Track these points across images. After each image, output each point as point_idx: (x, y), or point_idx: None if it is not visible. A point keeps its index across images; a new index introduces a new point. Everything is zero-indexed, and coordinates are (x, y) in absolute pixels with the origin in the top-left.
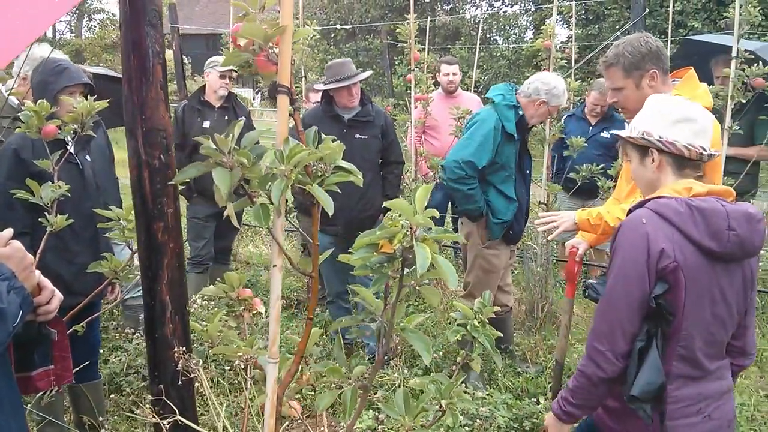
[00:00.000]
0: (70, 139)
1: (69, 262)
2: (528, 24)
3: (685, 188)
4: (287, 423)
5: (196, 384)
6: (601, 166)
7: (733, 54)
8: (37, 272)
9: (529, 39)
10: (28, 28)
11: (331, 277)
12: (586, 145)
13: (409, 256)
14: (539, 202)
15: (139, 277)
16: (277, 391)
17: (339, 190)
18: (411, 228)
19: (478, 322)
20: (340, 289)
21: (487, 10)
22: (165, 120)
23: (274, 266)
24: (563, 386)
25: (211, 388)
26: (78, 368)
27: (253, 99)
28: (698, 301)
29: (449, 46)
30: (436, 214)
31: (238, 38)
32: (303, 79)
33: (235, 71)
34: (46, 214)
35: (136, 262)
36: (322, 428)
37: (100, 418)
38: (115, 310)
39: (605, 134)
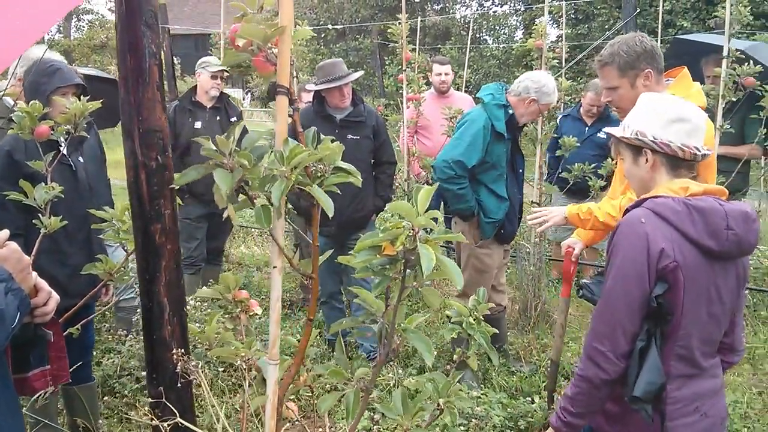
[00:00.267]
0: (62, 140)
1: (63, 264)
2: (518, 24)
3: (681, 187)
4: (286, 425)
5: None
6: (592, 165)
7: (725, 53)
8: (34, 274)
9: (519, 39)
10: (29, 28)
11: (324, 277)
12: (578, 144)
13: (411, 257)
14: (532, 202)
15: (131, 278)
16: (278, 393)
17: (339, 191)
18: (413, 229)
19: (474, 320)
20: (334, 290)
21: (477, 10)
22: (162, 121)
23: (274, 267)
24: (557, 389)
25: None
26: (72, 369)
27: (243, 99)
28: (696, 300)
29: (439, 46)
30: (439, 215)
31: (237, 39)
32: (295, 79)
33: (227, 72)
34: (39, 215)
35: (131, 264)
36: (320, 429)
37: (99, 421)
38: (107, 312)
39: (601, 135)
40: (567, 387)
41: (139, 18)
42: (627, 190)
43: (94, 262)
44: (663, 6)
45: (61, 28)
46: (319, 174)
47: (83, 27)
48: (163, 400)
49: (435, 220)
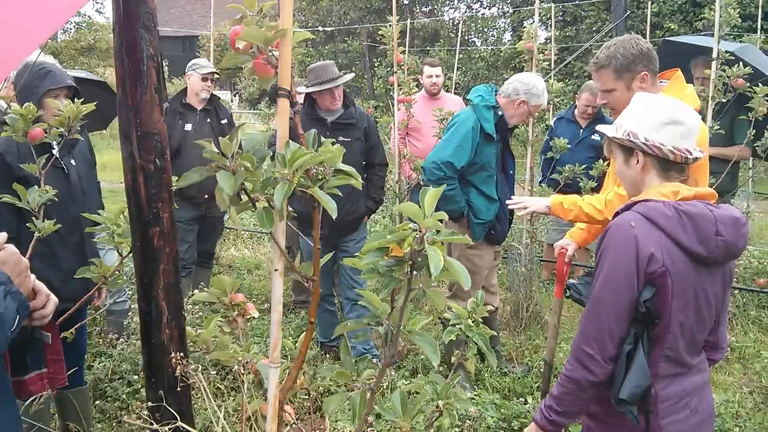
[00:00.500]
0: (55, 143)
1: (56, 268)
2: (506, 26)
3: (672, 191)
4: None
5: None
6: (583, 166)
7: (714, 55)
8: (32, 276)
9: (508, 41)
10: (38, 29)
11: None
12: (569, 146)
13: (418, 259)
14: None
15: (125, 282)
16: (279, 396)
17: (341, 194)
18: (421, 231)
19: (472, 322)
20: (326, 292)
21: (466, 12)
22: (160, 124)
23: (275, 270)
24: (551, 389)
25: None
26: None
27: (231, 101)
28: (684, 304)
29: (428, 48)
30: (445, 217)
31: (237, 41)
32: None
33: (217, 74)
34: (33, 218)
35: (125, 267)
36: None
37: (92, 426)
38: (98, 316)
39: (595, 137)
40: (554, 386)
41: (137, 20)
42: (616, 185)
43: (87, 266)
44: (650, 8)
45: None
46: (320, 176)
47: (70, 29)
48: (164, 404)
49: (442, 221)
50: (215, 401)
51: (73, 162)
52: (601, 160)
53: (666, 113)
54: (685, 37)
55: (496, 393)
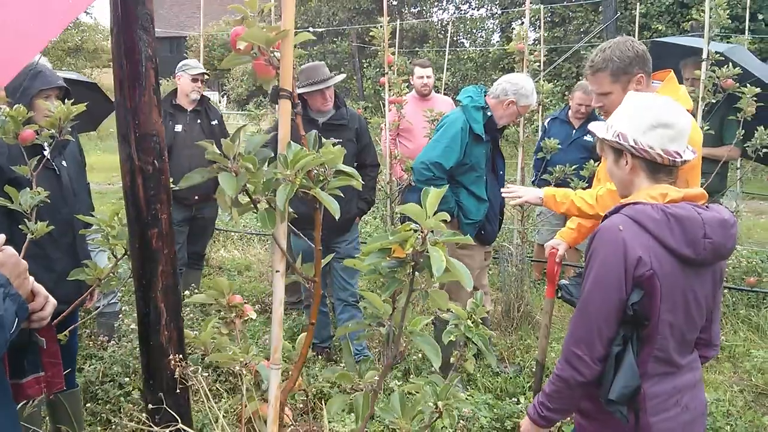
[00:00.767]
0: (46, 144)
1: (49, 270)
2: (494, 27)
3: (660, 194)
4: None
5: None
6: (574, 167)
7: (704, 56)
8: (31, 278)
9: (496, 42)
10: (42, 29)
11: None
12: (561, 147)
13: (420, 260)
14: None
15: (120, 284)
16: (280, 398)
17: (343, 195)
18: (423, 232)
19: (472, 322)
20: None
21: (454, 13)
22: (158, 125)
23: (276, 271)
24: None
25: (198, 394)
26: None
27: (219, 102)
28: (673, 306)
29: (417, 49)
30: (447, 217)
31: (238, 42)
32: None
33: (207, 75)
34: (26, 220)
35: (119, 269)
36: None
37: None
38: (87, 318)
39: (588, 137)
40: (546, 383)
41: (135, 22)
42: (608, 182)
43: (80, 268)
44: (638, 9)
45: None
46: (321, 177)
47: None
48: (164, 406)
49: (444, 222)
50: (207, 403)
51: (64, 163)
52: (591, 161)
53: (655, 115)
54: (674, 38)
55: (488, 393)
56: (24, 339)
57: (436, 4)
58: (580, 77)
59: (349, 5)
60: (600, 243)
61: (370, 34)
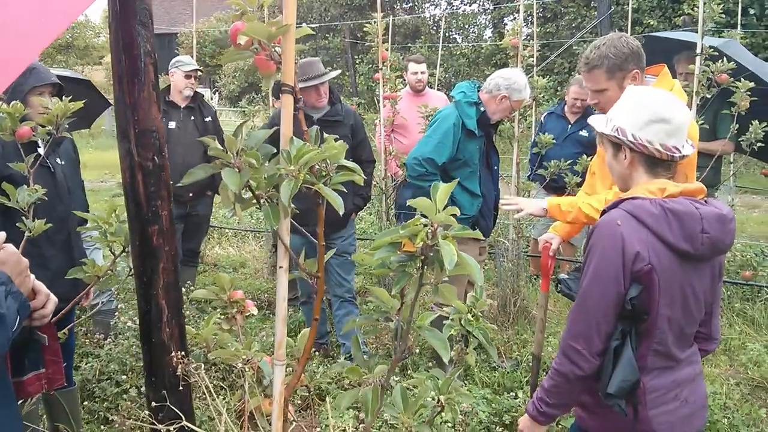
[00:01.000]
0: (41, 141)
1: (44, 267)
2: (487, 22)
3: (659, 188)
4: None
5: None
6: (568, 162)
7: (698, 50)
8: (32, 276)
9: (488, 37)
10: (43, 30)
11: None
12: (556, 142)
13: (430, 254)
14: None
15: (119, 282)
16: (284, 393)
17: (345, 189)
18: (433, 226)
19: (472, 317)
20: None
21: (446, 8)
22: (158, 121)
23: (280, 267)
24: (540, 383)
25: (199, 390)
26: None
27: (211, 99)
28: (671, 300)
29: (409, 44)
30: (457, 211)
31: (239, 37)
32: (263, 77)
33: (200, 71)
34: (23, 218)
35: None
36: (317, 429)
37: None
38: (83, 316)
39: (583, 132)
40: (544, 379)
41: (134, 16)
42: (614, 185)
43: (76, 266)
44: (631, 4)
45: None
46: (323, 173)
47: None
48: (167, 404)
49: (455, 216)
50: (206, 399)
51: (58, 161)
52: (585, 156)
53: (654, 110)
54: (667, 32)
55: (486, 388)
56: (25, 337)
57: None
58: (573, 73)
59: (341, 1)
60: (598, 238)
61: (364, 29)
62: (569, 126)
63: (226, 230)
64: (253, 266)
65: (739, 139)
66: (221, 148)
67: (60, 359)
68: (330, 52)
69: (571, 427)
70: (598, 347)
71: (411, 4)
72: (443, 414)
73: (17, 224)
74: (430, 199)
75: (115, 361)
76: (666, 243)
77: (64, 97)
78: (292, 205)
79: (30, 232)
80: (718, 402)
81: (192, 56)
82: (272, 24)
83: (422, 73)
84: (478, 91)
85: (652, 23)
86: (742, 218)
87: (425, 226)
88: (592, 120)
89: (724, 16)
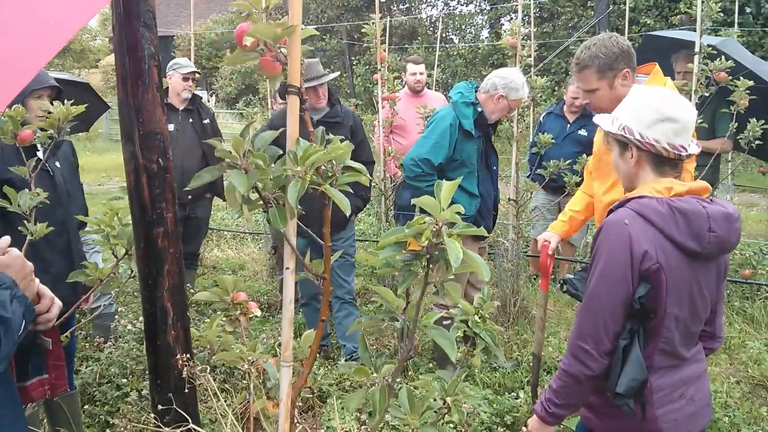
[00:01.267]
0: (40, 145)
1: (44, 271)
2: (483, 23)
3: (665, 187)
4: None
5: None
6: (568, 161)
7: (696, 49)
8: (36, 280)
9: (485, 38)
10: (59, 31)
11: (305, 279)
12: (555, 141)
13: (435, 252)
14: (509, 199)
15: (121, 284)
16: (291, 395)
17: (351, 190)
18: (438, 224)
19: (480, 318)
20: (314, 292)
21: (443, 9)
22: (162, 123)
23: (287, 269)
24: (540, 382)
25: (203, 392)
26: None
27: (208, 101)
28: (679, 299)
29: (406, 45)
30: (462, 209)
31: (244, 38)
32: (269, 78)
33: (198, 73)
34: (25, 222)
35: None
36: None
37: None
38: (82, 319)
39: (583, 132)
40: (552, 379)
41: (137, 18)
42: (616, 184)
43: (76, 269)
44: (627, 4)
45: None
46: (329, 174)
47: None
48: (173, 406)
49: (459, 214)
50: (207, 402)
51: (57, 164)
52: (584, 155)
53: (661, 109)
54: (665, 31)
55: (487, 388)
56: (29, 341)
57: (425, 0)
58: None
59: (337, 2)
60: (606, 237)
61: (362, 30)
62: (568, 125)
63: (225, 233)
64: (252, 268)
65: (738, 138)
66: (228, 150)
67: (63, 364)
68: (327, 53)
69: (576, 426)
70: (607, 347)
71: (408, 5)
72: (449, 415)
73: (18, 228)
74: (432, 198)
75: (116, 364)
76: (674, 242)
77: (65, 101)
78: (299, 207)
79: (32, 236)
80: (719, 400)
81: (189, 59)
82: (278, 25)
83: (421, 73)
84: (476, 91)
85: (648, 22)
86: (740, 216)
87: (430, 224)
88: (597, 119)
89: (721, 14)
